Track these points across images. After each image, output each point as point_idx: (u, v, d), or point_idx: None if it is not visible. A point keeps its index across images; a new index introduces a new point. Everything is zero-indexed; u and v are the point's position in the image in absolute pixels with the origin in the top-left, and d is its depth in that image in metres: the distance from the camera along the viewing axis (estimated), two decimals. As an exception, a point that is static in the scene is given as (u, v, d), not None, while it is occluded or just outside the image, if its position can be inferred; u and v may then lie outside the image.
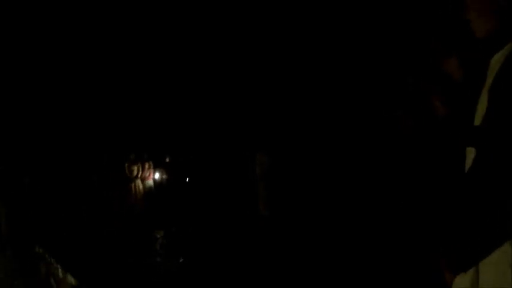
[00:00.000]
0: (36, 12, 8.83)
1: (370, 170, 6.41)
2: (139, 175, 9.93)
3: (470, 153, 1.21)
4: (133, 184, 9.82)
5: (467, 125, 1.27)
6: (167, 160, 11.01)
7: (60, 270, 2.48)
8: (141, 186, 10.02)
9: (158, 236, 7.20)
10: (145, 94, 11.73)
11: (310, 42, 8.08)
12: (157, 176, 10.68)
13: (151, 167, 10.41)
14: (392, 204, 5.18)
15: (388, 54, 5.93)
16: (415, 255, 3.89)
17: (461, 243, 1.13)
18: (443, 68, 1.79)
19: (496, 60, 1.17)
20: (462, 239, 1.12)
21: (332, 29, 7.43)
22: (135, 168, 9.86)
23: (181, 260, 5.47)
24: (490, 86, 1.13)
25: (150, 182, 10.39)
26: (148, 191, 10.24)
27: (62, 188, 8.54)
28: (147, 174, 10.25)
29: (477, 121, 1.20)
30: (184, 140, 11.68)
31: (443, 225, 1.23)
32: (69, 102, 10.52)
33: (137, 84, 11.48)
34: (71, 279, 2.49)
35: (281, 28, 8.50)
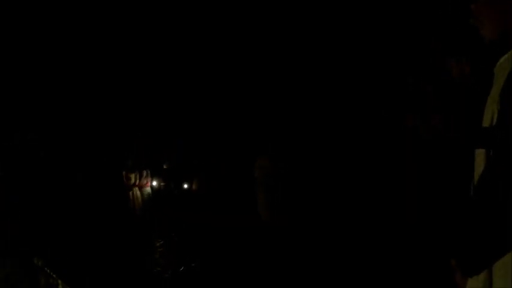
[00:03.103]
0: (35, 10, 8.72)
1: (377, 173, 6.37)
2: (137, 183, 9.87)
3: (480, 154, 1.20)
4: (131, 192, 9.75)
5: (476, 126, 1.25)
6: (165, 167, 10.97)
7: (60, 282, 2.44)
8: (139, 194, 9.96)
9: (158, 245, 7.14)
10: (142, 100, 11.67)
11: (311, 43, 8.06)
12: (155, 183, 10.63)
13: (149, 174, 10.36)
14: (400, 205, 5.15)
15: (388, 55, 5.93)
16: (425, 256, 3.86)
17: (475, 245, 1.11)
18: (450, 68, 1.80)
19: (504, 62, 1.18)
20: (475, 240, 1.10)
21: (333, 30, 7.41)
22: (133, 175, 9.80)
23: (181, 269, 5.41)
24: (502, 87, 1.12)
25: (148, 189, 10.33)
26: (146, 198, 10.18)
27: (57, 197, 8.46)
28: (145, 181, 10.19)
29: (486, 123, 1.20)
30: (182, 146, 11.63)
31: (456, 226, 1.21)
32: (66, 106, 10.41)
33: (134, 89, 11.41)
34: (70, 292, 2.45)
35: (280, 28, 8.49)
